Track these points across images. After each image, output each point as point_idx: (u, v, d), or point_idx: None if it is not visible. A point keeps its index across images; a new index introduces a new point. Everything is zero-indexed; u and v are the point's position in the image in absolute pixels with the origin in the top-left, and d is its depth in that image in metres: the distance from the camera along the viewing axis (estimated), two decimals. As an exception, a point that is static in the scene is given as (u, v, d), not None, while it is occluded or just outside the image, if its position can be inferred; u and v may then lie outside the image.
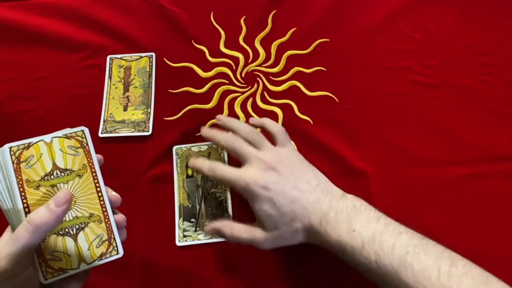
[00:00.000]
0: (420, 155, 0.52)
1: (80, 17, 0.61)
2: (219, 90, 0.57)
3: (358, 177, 0.51)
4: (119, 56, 0.59)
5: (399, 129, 0.53)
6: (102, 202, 0.37)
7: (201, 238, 0.49)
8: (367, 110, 0.54)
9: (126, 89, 0.58)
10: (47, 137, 0.36)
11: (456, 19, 0.58)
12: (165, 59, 0.59)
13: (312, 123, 0.55)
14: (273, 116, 0.55)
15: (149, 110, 0.56)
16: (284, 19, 0.60)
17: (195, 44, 0.60)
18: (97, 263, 0.36)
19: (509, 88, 0.54)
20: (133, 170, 0.53)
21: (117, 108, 0.57)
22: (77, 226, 0.36)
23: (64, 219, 0.35)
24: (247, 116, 0.56)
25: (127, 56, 0.59)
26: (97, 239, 0.36)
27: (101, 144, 0.55)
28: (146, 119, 0.55)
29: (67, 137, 0.37)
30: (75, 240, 0.36)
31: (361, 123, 0.54)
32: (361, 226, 0.37)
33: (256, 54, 0.59)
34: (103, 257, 0.36)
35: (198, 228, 0.50)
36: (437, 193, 0.50)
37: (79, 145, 0.37)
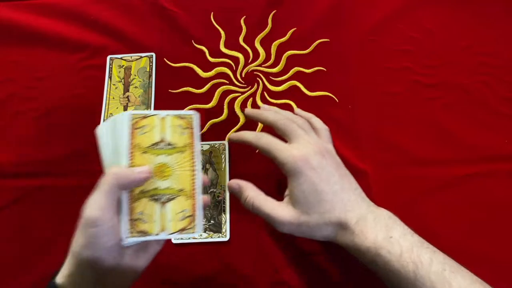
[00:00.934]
0: (420, 155, 0.52)
1: (80, 17, 0.61)
2: (219, 90, 0.57)
3: (358, 177, 0.50)
4: (119, 56, 0.59)
5: (399, 129, 0.53)
6: (194, 181, 0.39)
7: (197, 237, 0.50)
8: (367, 110, 0.54)
9: (126, 89, 0.58)
10: (162, 113, 0.40)
11: (456, 19, 0.58)
12: (165, 59, 0.59)
13: (312, 123, 0.55)
14: (273, 116, 0.55)
15: (149, 110, 0.56)
16: (284, 19, 0.60)
17: (195, 44, 0.60)
18: (175, 235, 0.38)
19: (509, 88, 0.54)
20: (133, 170, 0.53)
21: (117, 108, 0.57)
22: (167, 196, 0.38)
23: (158, 186, 0.38)
24: (247, 116, 0.56)
25: (127, 56, 0.59)
26: (181, 213, 0.38)
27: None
28: (146, 119, 0.55)
29: (179, 117, 0.41)
30: (163, 208, 0.38)
31: (361, 123, 0.54)
32: (398, 235, 0.37)
33: (256, 54, 0.59)
34: (183, 231, 0.38)
35: None
36: (437, 193, 0.50)
37: (186, 126, 0.41)
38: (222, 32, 0.60)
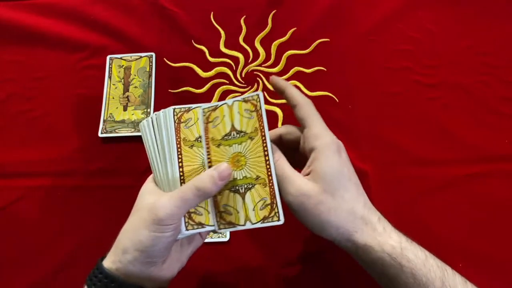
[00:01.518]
0: (420, 155, 0.52)
1: (80, 17, 0.61)
2: (219, 90, 0.57)
3: (358, 177, 0.51)
4: (119, 56, 0.59)
5: (399, 129, 0.53)
6: (268, 166, 0.37)
7: None
8: (367, 110, 0.54)
9: (126, 89, 0.58)
10: (229, 101, 0.38)
11: (456, 19, 0.58)
12: (165, 59, 0.59)
13: (312, 123, 0.55)
14: (273, 116, 0.55)
15: (149, 110, 0.56)
16: (284, 19, 0.60)
17: (195, 44, 0.60)
18: (259, 225, 0.37)
19: (509, 88, 0.54)
20: (133, 170, 0.53)
21: (117, 108, 0.57)
22: (245, 186, 0.37)
23: (235, 177, 0.38)
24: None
25: (127, 56, 0.59)
26: (261, 202, 0.37)
27: (101, 144, 0.55)
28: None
29: (245, 100, 0.38)
30: (243, 198, 0.37)
31: (361, 123, 0.54)
32: (415, 242, 0.36)
33: (256, 54, 0.59)
34: (265, 221, 0.37)
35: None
36: (437, 193, 0.50)
37: (253, 109, 0.38)
38: (222, 32, 0.60)
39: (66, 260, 0.50)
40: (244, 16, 0.60)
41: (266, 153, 0.37)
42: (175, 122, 0.38)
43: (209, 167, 0.37)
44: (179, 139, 0.38)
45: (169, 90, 0.58)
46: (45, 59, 0.60)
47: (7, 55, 0.61)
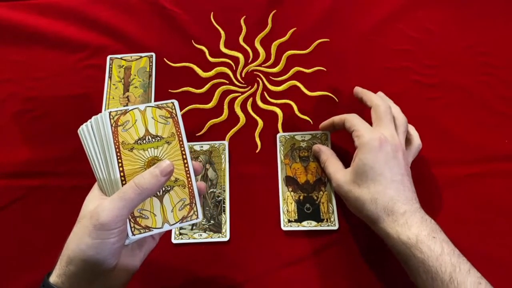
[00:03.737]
0: (420, 155, 0.52)
1: (80, 17, 0.61)
2: (219, 90, 0.57)
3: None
4: (119, 56, 0.59)
5: (399, 129, 0.53)
6: (187, 169, 0.39)
7: (197, 237, 0.50)
8: (367, 110, 0.54)
9: (126, 89, 0.58)
10: (141, 106, 0.39)
11: (456, 19, 0.58)
12: (165, 59, 0.59)
13: (312, 123, 0.55)
14: (273, 116, 0.55)
15: (149, 110, 0.56)
16: (284, 19, 0.60)
17: (195, 44, 0.60)
18: (178, 225, 0.38)
19: (509, 88, 0.54)
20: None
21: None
22: (163, 189, 0.38)
23: None
24: (247, 116, 0.56)
25: (127, 56, 0.59)
26: (180, 202, 0.39)
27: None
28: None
29: (158, 107, 0.40)
30: (161, 201, 0.38)
31: (361, 123, 0.54)
32: (442, 239, 0.39)
33: (256, 54, 0.59)
34: (184, 220, 0.39)
35: (194, 227, 0.50)
36: (437, 193, 0.50)
37: (169, 115, 0.40)
38: (222, 32, 0.60)
39: (66, 260, 0.50)
40: (244, 16, 0.60)
41: (184, 157, 0.39)
42: (111, 125, 0.38)
43: (120, 171, 0.37)
44: (117, 143, 0.37)
45: (169, 90, 0.58)
46: (45, 59, 0.60)
47: (7, 55, 0.61)
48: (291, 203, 0.50)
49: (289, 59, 0.58)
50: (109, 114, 0.38)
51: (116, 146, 0.37)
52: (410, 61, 0.56)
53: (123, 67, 0.59)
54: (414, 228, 0.39)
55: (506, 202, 0.49)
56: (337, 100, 0.56)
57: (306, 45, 0.58)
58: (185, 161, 0.39)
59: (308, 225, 0.49)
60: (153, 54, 0.59)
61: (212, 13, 0.61)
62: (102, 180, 0.38)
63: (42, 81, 0.59)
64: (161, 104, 0.40)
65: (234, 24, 0.60)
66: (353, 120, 0.46)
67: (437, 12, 0.59)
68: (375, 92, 0.49)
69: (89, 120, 0.38)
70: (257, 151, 0.54)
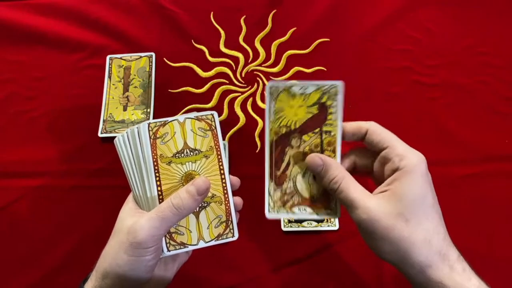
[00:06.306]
0: (420, 155, 0.52)
1: (80, 17, 0.61)
2: (219, 90, 0.57)
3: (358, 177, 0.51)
4: (118, 56, 0.59)
5: (399, 129, 0.53)
6: (224, 185, 0.38)
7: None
8: (367, 110, 0.54)
9: (125, 89, 0.58)
10: (180, 117, 0.38)
11: (456, 19, 0.58)
12: (165, 59, 0.59)
13: (312, 123, 0.55)
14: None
15: (148, 110, 0.56)
16: (284, 19, 0.60)
17: (195, 44, 0.60)
18: (213, 242, 0.37)
19: (509, 88, 0.54)
20: (133, 170, 0.53)
21: (116, 108, 0.57)
22: (200, 205, 0.37)
23: None
24: (247, 116, 0.56)
25: (127, 56, 0.59)
26: (216, 219, 0.38)
27: (100, 144, 0.55)
28: (145, 119, 0.55)
29: (198, 119, 0.38)
30: (197, 217, 0.37)
31: (361, 123, 0.54)
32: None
33: (256, 54, 0.59)
34: (220, 238, 0.37)
35: None
36: (437, 193, 0.50)
37: (208, 128, 0.39)
38: (222, 32, 0.60)
39: (66, 259, 0.50)
40: (244, 16, 0.60)
41: (222, 171, 0.38)
42: (150, 137, 0.37)
43: (158, 185, 0.36)
44: (155, 156, 0.36)
45: (169, 90, 0.58)
46: (45, 59, 0.60)
47: (7, 55, 0.61)
48: None
49: (289, 59, 0.58)
50: (148, 126, 0.37)
51: (154, 160, 0.36)
52: (410, 61, 0.56)
53: (123, 67, 0.59)
54: (474, 279, 0.31)
55: (506, 202, 0.49)
56: (337, 100, 0.55)
57: (306, 45, 0.58)
58: (223, 176, 0.38)
59: (308, 226, 0.49)
60: (153, 54, 0.59)
61: (212, 13, 0.61)
62: (138, 194, 0.37)
63: (42, 81, 0.59)
64: (201, 115, 0.38)
65: (234, 24, 0.60)
66: (386, 134, 0.36)
67: (437, 12, 0.59)
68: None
69: (126, 130, 0.37)
70: (257, 151, 0.54)
